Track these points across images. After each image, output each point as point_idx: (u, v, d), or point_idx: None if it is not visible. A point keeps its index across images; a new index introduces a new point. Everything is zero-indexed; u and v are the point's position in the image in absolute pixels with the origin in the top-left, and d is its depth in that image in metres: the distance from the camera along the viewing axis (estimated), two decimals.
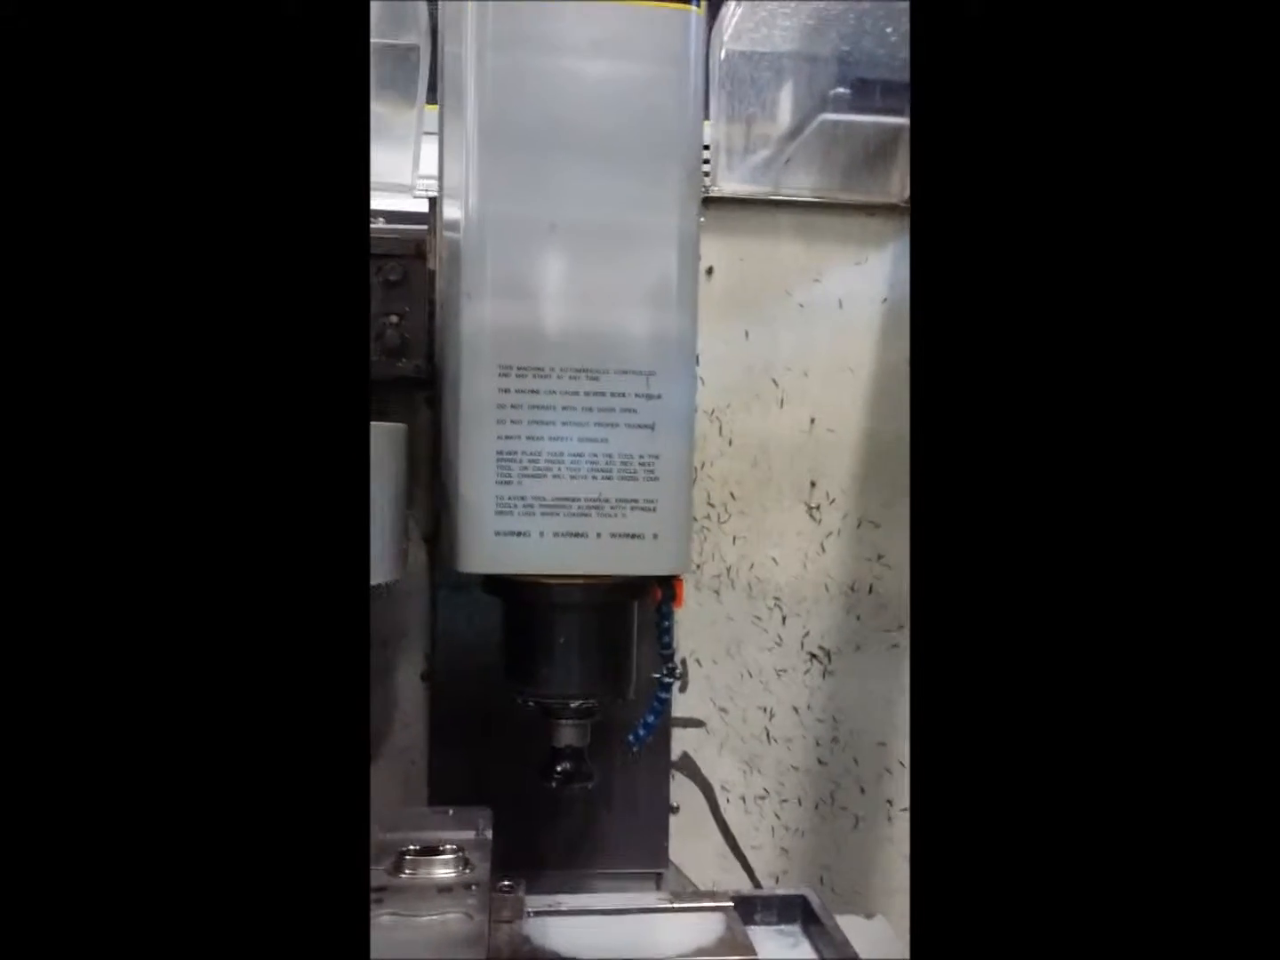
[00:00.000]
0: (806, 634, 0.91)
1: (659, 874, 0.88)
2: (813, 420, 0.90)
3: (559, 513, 0.62)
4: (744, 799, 0.91)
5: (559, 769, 0.68)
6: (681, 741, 0.90)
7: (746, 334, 0.89)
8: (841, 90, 0.86)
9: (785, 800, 0.92)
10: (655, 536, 0.63)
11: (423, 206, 0.80)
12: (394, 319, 0.75)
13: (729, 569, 0.90)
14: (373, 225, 0.83)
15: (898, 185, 0.89)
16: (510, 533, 0.62)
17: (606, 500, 0.62)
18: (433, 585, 0.85)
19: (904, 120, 0.87)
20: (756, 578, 0.90)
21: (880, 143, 0.88)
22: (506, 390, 0.62)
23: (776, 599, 0.91)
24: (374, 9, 0.75)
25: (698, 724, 0.90)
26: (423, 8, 0.75)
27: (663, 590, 0.67)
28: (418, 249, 0.76)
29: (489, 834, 0.66)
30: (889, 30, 0.84)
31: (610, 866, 0.86)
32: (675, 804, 0.90)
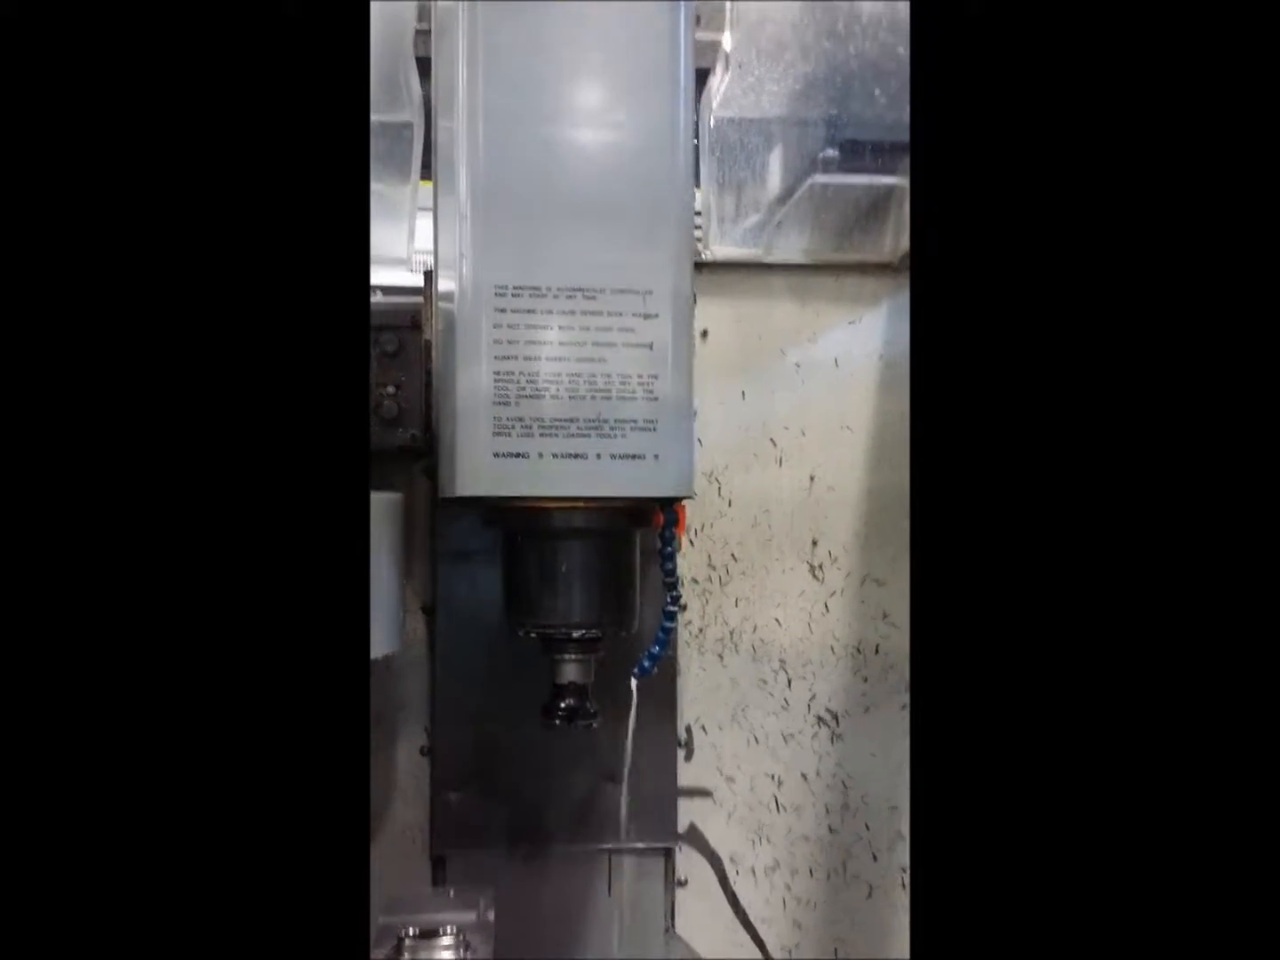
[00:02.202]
0: (813, 697, 0.89)
1: (668, 849, 0.86)
2: (812, 478, 0.90)
3: (557, 434, 0.61)
4: (754, 871, 0.89)
5: (562, 706, 0.66)
6: (688, 812, 0.88)
7: (743, 394, 0.89)
8: (831, 152, 0.87)
9: (796, 871, 0.89)
10: (656, 458, 0.62)
11: (419, 280, 0.81)
12: (391, 389, 0.75)
13: (732, 632, 0.89)
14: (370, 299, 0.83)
15: (889, 244, 0.89)
16: (508, 454, 0.61)
17: (605, 421, 0.62)
18: (432, 657, 0.84)
19: (894, 180, 0.88)
20: (760, 640, 0.89)
21: (871, 203, 0.88)
22: (503, 310, 0.62)
23: (782, 661, 0.89)
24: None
25: (704, 794, 0.88)
26: (416, 84, 0.76)
27: (665, 514, 0.66)
28: (413, 320, 0.76)
29: (491, 916, 0.64)
30: (876, 92, 0.85)
31: (619, 841, 0.83)
32: (683, 877, 0.87)
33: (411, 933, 0.61)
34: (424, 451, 0.78)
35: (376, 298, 0.80)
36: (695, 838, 0.88)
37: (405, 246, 0.82)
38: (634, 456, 0.62)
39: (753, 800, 0.89)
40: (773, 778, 0.89)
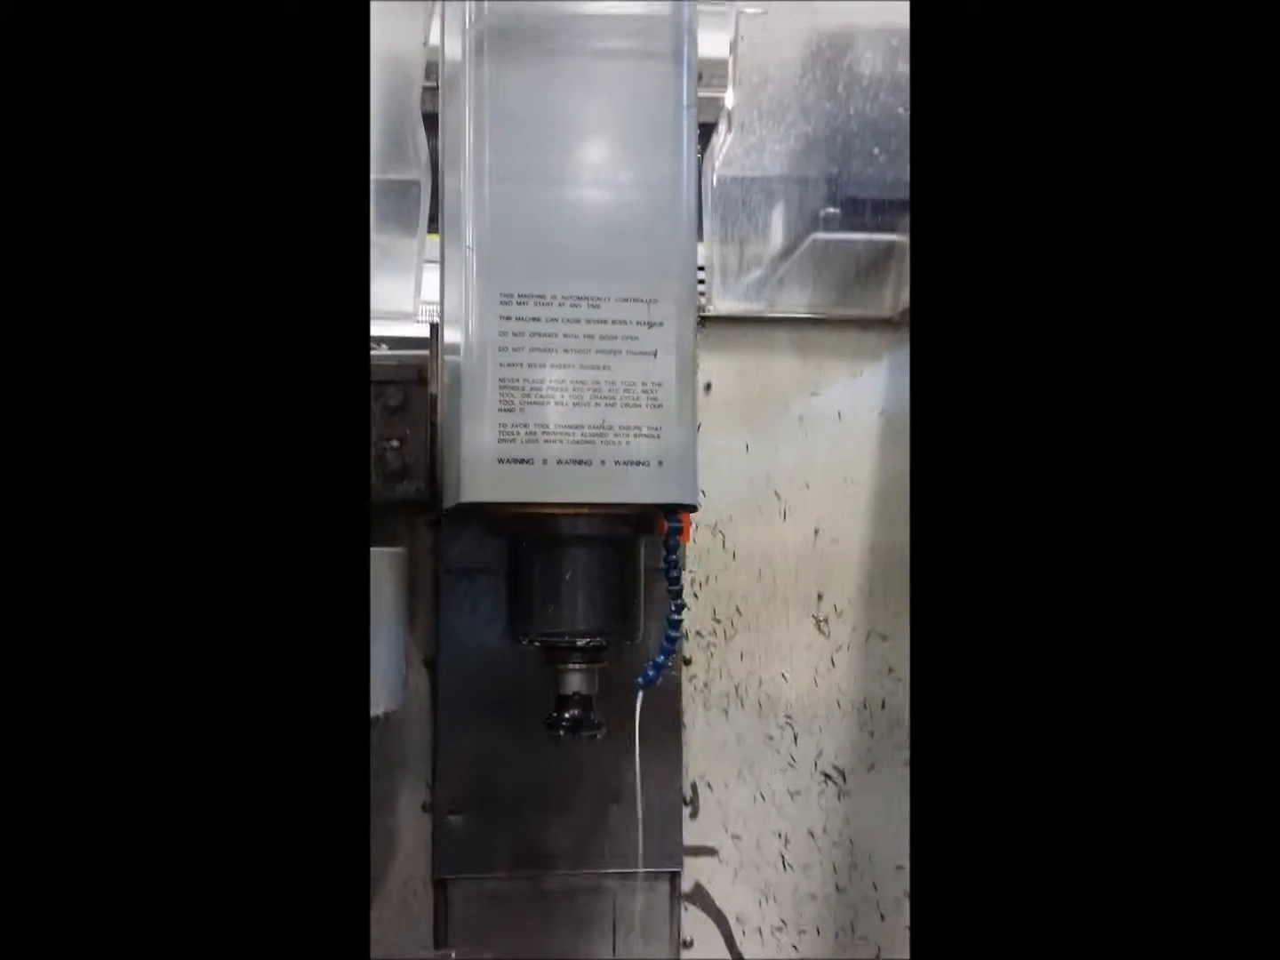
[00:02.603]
0: (820, 753, 0.88)
1: (673, 873, 0.84)
2: (817, 531, 0.89)
3: (562, 440, 0.61)
4: (760, 931, 0.87)
5: (566, 716, 0.65)
6: (694, 871, 0.86)
7: (747, 447, 0.89)
8: (832, 210, 0.88)
9: (804, 930, 0.87)
10: (660, 464, 0.62)
11: (424, 332, 0.81)
12: (395, 443, 0.76)
13: (737, 686, 0.88)
14: (375, 351, 0.84)
15: (890, 300, 0.90)
16: (513, 460, 0.60)
17: (610, 427, 0.61)
18: (435, 711, 0.83)
19: (894, 237, 0.89)
20: (766, 695, 0.88)
21: (871, 259, 0.90)
22: (508, 318, 0.62)
23: (788, 716, 0.88)
24: (376, 146, 0.78)
25: (710, 852, 0.87)
26: (423, 143, 0.78)
27: (669, 522, 0.65)
28: (419, 374, 0.77)
29: None
30: (876, 151, 0.86)
31: (622, 865, 0.82)
32: (688, 938, 0.85)
33: None
34: (428, 505, 0.78)
35: (381, 350, 0.81)
36: (701, 897, 0.86)
37: (411, 300, 0.83)
38: (638, 463, 0.62)
39: (759, 859, 0.87)
40: (779, 835, 0.87)
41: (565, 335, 0.63)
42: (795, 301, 0.89)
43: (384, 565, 0.67)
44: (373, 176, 0.79)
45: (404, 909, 0.83)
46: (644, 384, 0.63)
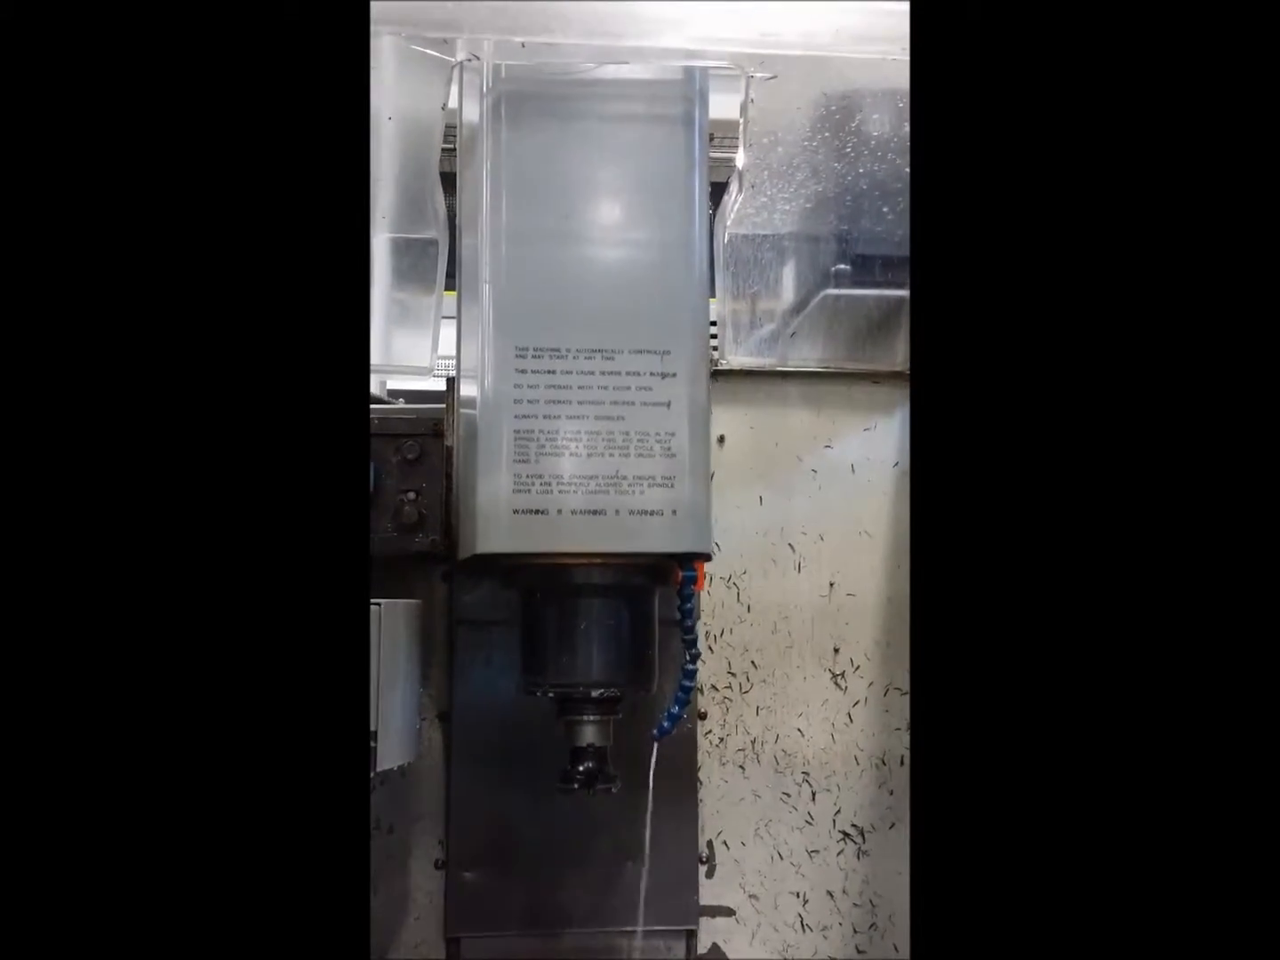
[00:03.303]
0: (838, 811, 0.87)
1: (690, 931, 0.82)
2: (832, 584, 0.89)
3: (576, 490, 0.61)
4: None
5: (580, 769, 0.64)
6: (711, 932, 0.84)
7: (760, 499, 0.89)
8: (842, 267, 0.89)
9: None
10: (674, 513, 0.62)
11: (441, 386, 0.82)
12: (411, 495, 0.76)
13: (754, 742, 0.87)
14: (391, 405, 0.85)
15: (901, 354, 0.91)
16: (528, 510, 0.60)
17: (624, 477, 0.61)
18: (448, 765, 0.82)
19: (904, 293, 0.90)
20: (783, 750, 0.87)
21: (882, 314, 0.90)
22: (524, 371, 0.63)
23: (805, 773, 0.87)
24: (395, 205, 0.79)
25: (728, 912, 0.85)
26: (440, 203, 0.80)
27: (683, 571, 0.65)
28: (435, 427, 0.78)
29: None
30: (885, 209, 0.88)
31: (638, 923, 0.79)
32: None
33: None
34: (444, 557, 0.79)
35: (399, 404, 0.82)
36: (719, 959, 0.84)
37: (429, 355, 0.84)
38: (652, 513, 0.62)
39: (777, 919, 0.85)
40: (798, 895, 0.86)
41: (580, 387, 0.63)
42: (807, 356, 0.90)
43: (399, 617, 0.67)
44: (391, 235, 0.81)
45: None
46: (657, 434, 0.63)
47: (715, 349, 0.87)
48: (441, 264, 0.83)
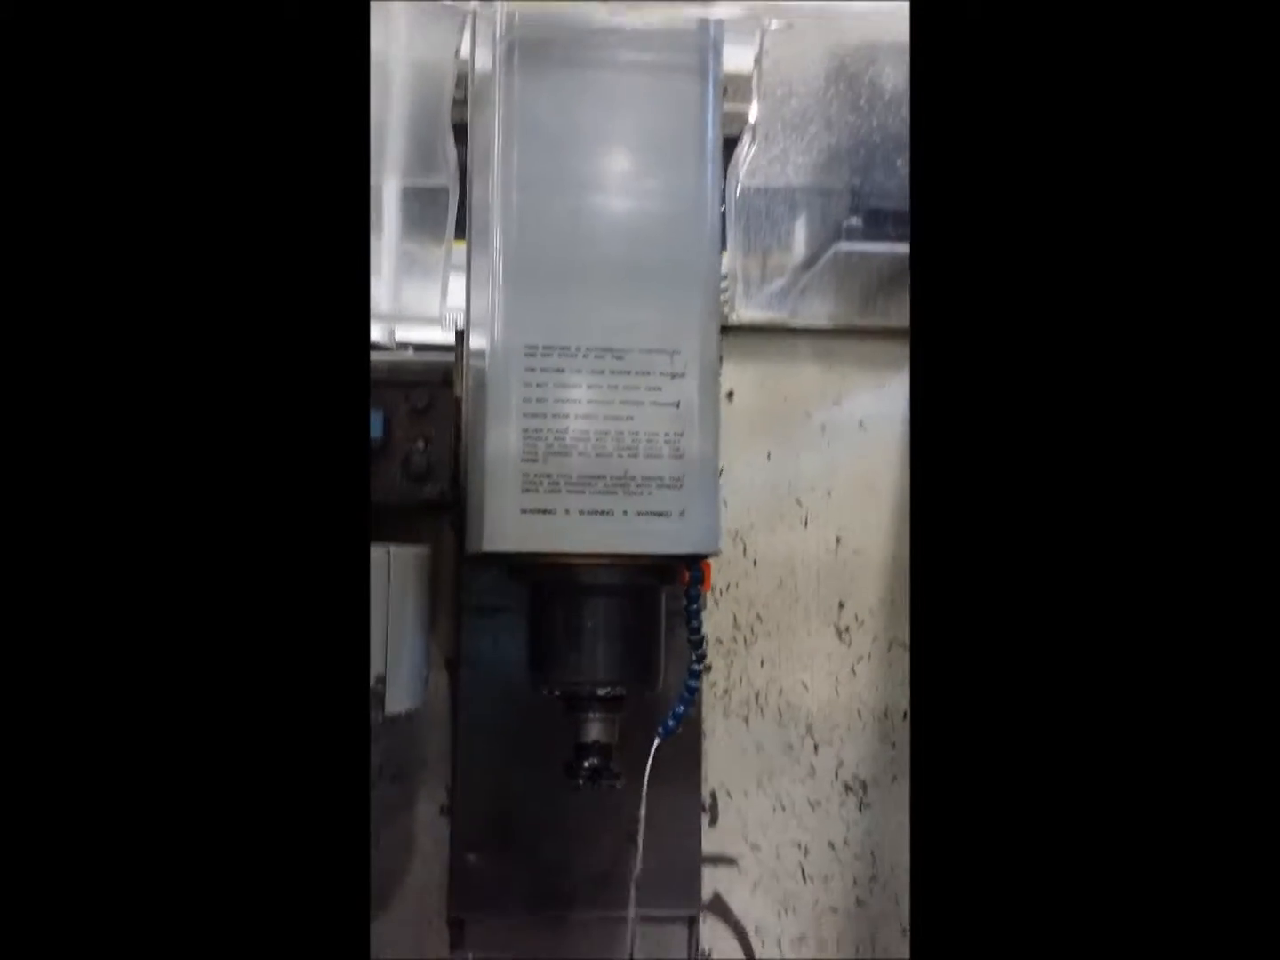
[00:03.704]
0: (840, 764, 0.88)
1: (692, 917, 0.83)
2: (838, 540, 0.89)
3: (584, 490, 0.61)
4: (780, 943, 0.86)
5: (585, 765, 0.65)
6: (713, 880, 0.86)
7: (769, 455, 0.89)
8: (854, 221, 0.88)
9: (824, 943, 0.86)
10: (682, 514, 0.62)
11: (450, 338, 0.82)
12: (420, 444, 0.76)
13: (757, 694, 0.88)
14: (401, 355, 0.85)
15: None
16: (536, 510, 0.61)
17: (632, 478, 0.62)
18: (454, 713, 0.83)
19: None
20: (787, 703, 0.88)
21: (894, 270, 0.90)
22: (533, 369, 0.62)
23: (808, 726, 0.88)
24: (405, 152, 0.79)
25: (729, 861, 0.86)
26: (451, 150, 0.79)
27: (690, 572, 0.65)
28: (444, 377, 0.78)
29: None
30: (899, 163, 0.87)
31: (642, 906, 0.80)
32: (707, 949, 0.85)
33: None
34: (452, 506, 0.79)
35: (408, 354, 0.82)
36: (720, 907, 0.85)
37: (438, 305, 0.84)
38: (660, 514, 0.63)
39: (779, 869, 0.86)
40: (799, 846, 0.87)
41: (589, 386, 0.63)
42: (818, 311, 0.90)
43: (408, 563, 0.68)
44: (402, 183, 0.80)
45: (420, 911, 0.83)
46: (666, 435, 0.63)
47: (725, 303, 0.87)
48: (451, 213, 0.83)
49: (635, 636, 0.66)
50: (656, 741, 0.71)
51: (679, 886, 0.83)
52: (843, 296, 0.90)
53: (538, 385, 0.63)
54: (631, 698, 0.67)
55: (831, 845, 0.87)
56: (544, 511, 0.61)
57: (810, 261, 0.90)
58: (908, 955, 0.86)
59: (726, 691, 0.87)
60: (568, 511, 0.62)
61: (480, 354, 0.70)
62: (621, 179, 0.67)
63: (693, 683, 0.69)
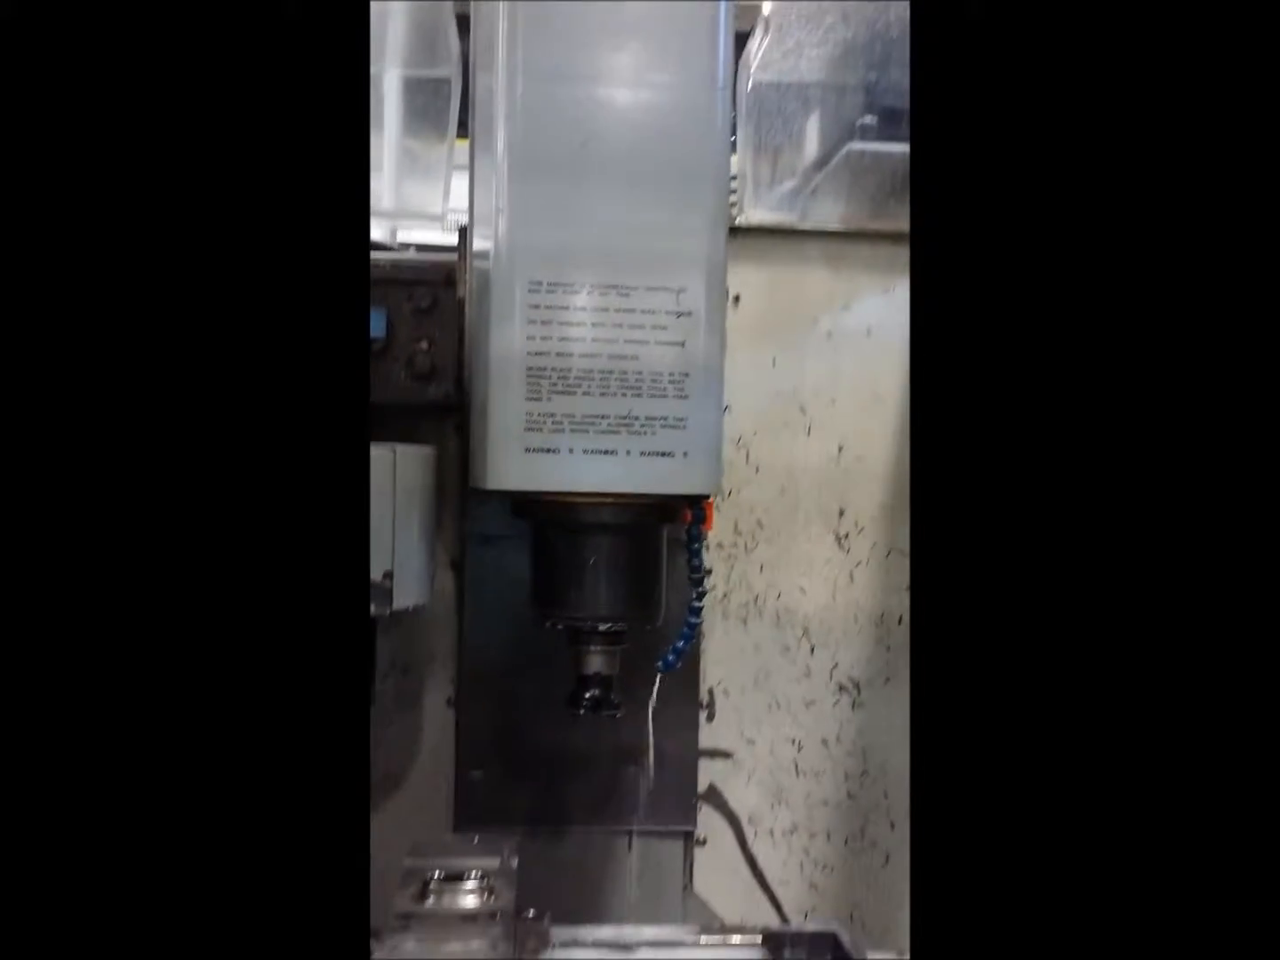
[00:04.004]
0: (835, 665, 0.90)
1: (688, 832, 0.87)
2: (841, 448, 0.89)
3: (588, 430, 0.62)
4: (772, 833, 0.90)
5: (587, 696, 0.67)
6: (708, 772, 0.89)
7: (774, 361, 0.89)
8: (869, 120, 0.86)
9: (814, 834, 0.90)
10: (685, 455, 0.62)
11: (453, 239, 0.81)
12: (424, 345, 0.76)
13: (756, 598, 0.89)
14: (403, 254, 0.84)
15: None
16: (539, 449, 0.61)
17: (636, 418, 0.62)
18: (460, 610, 0.85)
19: None
20: (784, 607, 0.89)
21: (907, 171, 0.88)
22: (536, 306, 0.62)
23: (805, 629, 0.90)
24: (407, 41, 0.77)
25: (725, 755, 0.89)
26: (455, 39, 0.76)
27: (693, 511, 0.66)
28: (447, 276, 0.77)
29: (514, 862, 0.65)
30: None
31: (638, 823, 0.85)
32: (701, 836, 0.88)
33: (437, 876, 0.62)
34: (456, 408, 0.79)
35: (410, 253, 0.81)
36: (714, 797, 0.89)
37: (440, 204, 0.82)
38: (664, 454, 0.63)
39: (772, 764, 0.89)
40: (793, 742, 0.90)
41: (593, 324, 0.62)
42: (829, 213, 0.88)
43: (413, 462, 0.68)
44: (403, 73, 0.78)
45: (427, 801, 0.86)
46: (671, 374, 0.63)
47: (734, 204, 0.86)
48: (454, 106, 0.81)
49: (636, 573, 0.67)
50: (659, 677, 0.73)
51: (676, 800, 0.86)
52: (854, 198, 0.88)
53: (542, 323, 0.62)
54: (634, 629, 0.69)
55: (824, 742, 0.90)
56: (548, 451, 0.62)
57: (822, 161, 0.88)
58: (897, 847, 0.90)
59: (726, 595, 0.89)
60: (571, 451, 0.62)
61: (484, 255, 0.69)
62: (630, 70, 0.65)
63: (693, 619, 0.71)
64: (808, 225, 0.88)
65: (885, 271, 0.89)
